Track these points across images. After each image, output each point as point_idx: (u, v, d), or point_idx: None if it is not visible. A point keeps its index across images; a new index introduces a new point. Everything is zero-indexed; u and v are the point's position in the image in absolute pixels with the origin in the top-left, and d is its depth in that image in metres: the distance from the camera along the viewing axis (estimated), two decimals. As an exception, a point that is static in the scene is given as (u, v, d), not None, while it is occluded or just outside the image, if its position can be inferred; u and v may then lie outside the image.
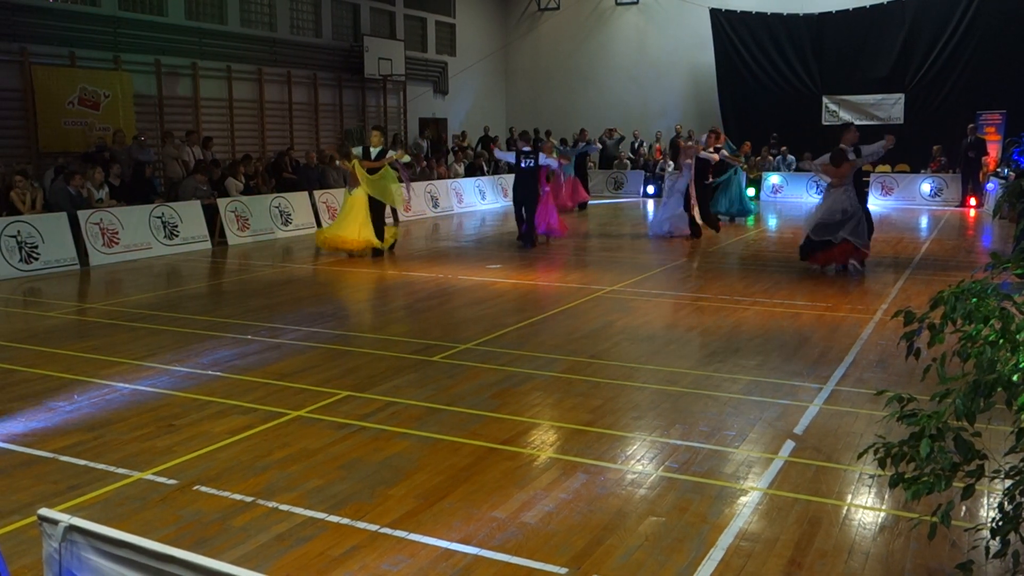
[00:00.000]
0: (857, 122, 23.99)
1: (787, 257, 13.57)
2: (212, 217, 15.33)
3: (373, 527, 4.23)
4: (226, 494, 4.63)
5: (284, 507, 4.46)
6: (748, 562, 3.90)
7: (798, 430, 5.63)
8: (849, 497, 4.62)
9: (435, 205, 20.96)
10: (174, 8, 18.05)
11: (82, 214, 13.15)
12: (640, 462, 5.12)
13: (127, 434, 5.57)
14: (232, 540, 4.10)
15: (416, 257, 13.89)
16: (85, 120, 16.08)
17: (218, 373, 7.01)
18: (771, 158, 24.46)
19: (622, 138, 26.97)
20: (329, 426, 5.73)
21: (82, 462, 5.10)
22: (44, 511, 2.37)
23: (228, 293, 10.81)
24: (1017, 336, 3.16)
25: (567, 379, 6.82)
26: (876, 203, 21.79)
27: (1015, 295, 3.28)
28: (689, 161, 15.62)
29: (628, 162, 26.58)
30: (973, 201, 20.96)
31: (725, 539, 4.11)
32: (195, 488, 4.72)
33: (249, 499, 4.56)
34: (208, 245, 14.91)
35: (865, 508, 4.49)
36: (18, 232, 12.19)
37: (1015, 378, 3.10)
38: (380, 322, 9.05)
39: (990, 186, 20.73)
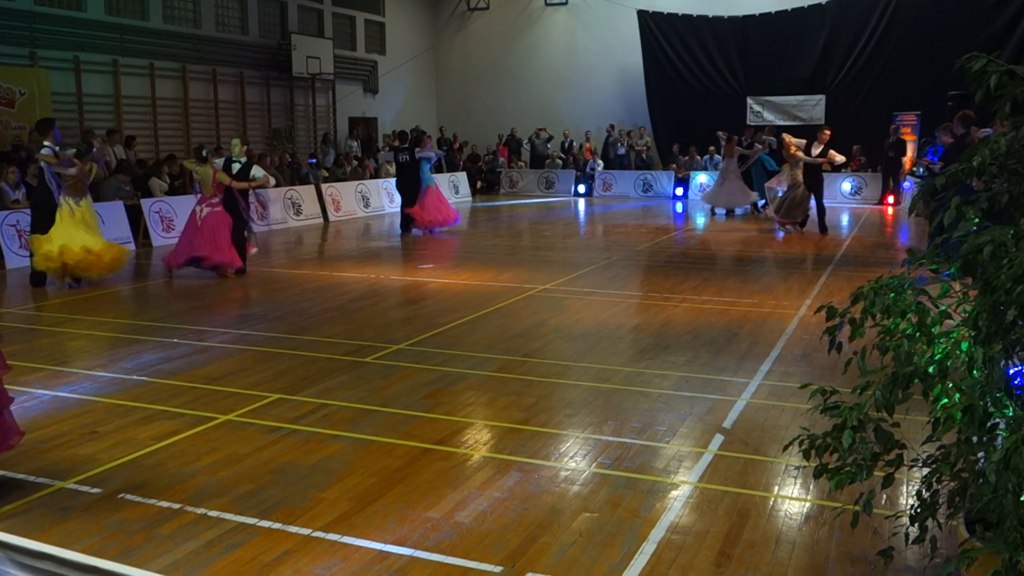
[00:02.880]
0: (780, 122, 24.69)
1: (715, 255, 13.84)
2: (136, 218, 14.95)
3: (306, 531, 4.18)
4: (152, 502, 4.52)
5: (213, 513, 4.38)
6: (680, 555, 3.96)
7: (727, 424, 5.75)
8: (776, 488, 4.74)
9: (366, 205, 20.80)
10: (93, 3, 17.54)
11: (-3, 215, 12.69)
12: (573, 459, 5.16)
13: (47, 442, 5.40)
14: (160, 548, 4.01)
15: (347, 257, 13.76)
16: (0, 118, 15.52)
17: (143, 378, 6.84)
18: (698, 158, 24.89)
19: (551, 137, 27.18)
20: (259, 430, 5.64)
21: (0, 472, 4.92)
22: (-41, 524, 2.29)
23: (153, 296, 10.57)
24: (932, 329, 3.28)
25: (500, 378, 6.84)
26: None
27: (930, 290, 3.40)
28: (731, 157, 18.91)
29: (559, 161, 26.76)
30: (891, 199, 21.63)
31: (657, 533, 4.17)
32: (120, 496, 4.60)
33: (177, 506, 4.47)
34: (132, 247, 14.53)
35: (791, 499, 4.61)
36: (-72, 234, 11.70)
37: (931, 370, 3.21)
38: (311, 323, 8.95)
39: (906, 185, 21.45)
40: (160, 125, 19.17)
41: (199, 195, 11.87)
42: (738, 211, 20.26)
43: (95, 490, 4.69)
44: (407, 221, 16.80)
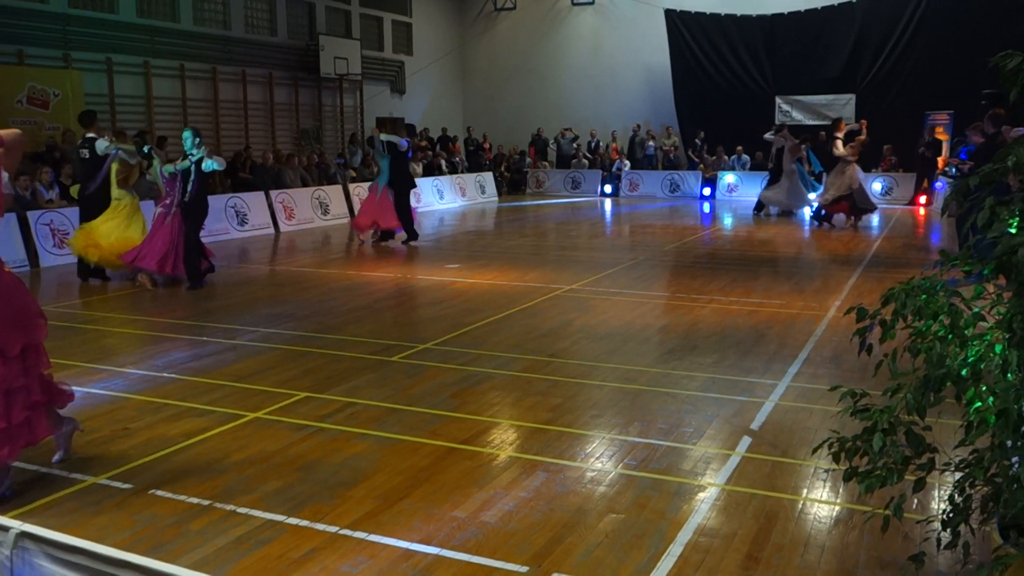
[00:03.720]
0: (809, 122, 24.48)
1: (743, 255, 13.75)
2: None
3: (333, 528, 4.21)
4: (182, 498, 4.57)
5: (242, 510, 4.41)
6: (706, 557, 3.94)
7: (754, 426, 5.71)
8: (804, 492, 4.70)
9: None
10: (125, 6, 17.75)
11: (31, 215, 12.88)
12: (599, 460, 5.15)
13: (80, 438, 5.46)
14: (189, 544, 4.05)
15: (374, 257, 13.82)
16: (34, 119, 15.73)
17: (173, 375, 6.91)
18: (726, 157, 24.75)
19: (576, 137, 27.13)
20: (287, 428, 5.68)
21: (33, 467, 5.00)
22: (-5, 518, 2.32)
23: (184, 294, 10.66)
24: (965, 331, 3.23)
25: (526, 378, 6.83)
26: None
27: (963, 291, 3.35)
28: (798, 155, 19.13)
29: (585, 161, 26.72)
30: (923, 200, 21.36)
31: (683, 535, 4.15)
32: (151, 492, 4.65)
33: (206, 502, 4.51)
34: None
35: (820, 502, 4.57)
36: (-36, 233, 11.90)
37: (964, 373, 3.17)
38: (338, 322, 9.00)
39: (939, 185, 21.18)
40: (190, 126, 19.34)
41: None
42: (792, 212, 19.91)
43: (126, 486, 4.74)
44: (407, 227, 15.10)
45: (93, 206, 11.34)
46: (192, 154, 10.87)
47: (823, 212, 17.63)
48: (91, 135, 11.26)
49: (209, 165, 10.88)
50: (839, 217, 17.65)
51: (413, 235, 15.18)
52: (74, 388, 5.92)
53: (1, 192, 4.77)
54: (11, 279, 4.67)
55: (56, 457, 5.08)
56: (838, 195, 17.27)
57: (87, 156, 11.27)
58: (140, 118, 18.10)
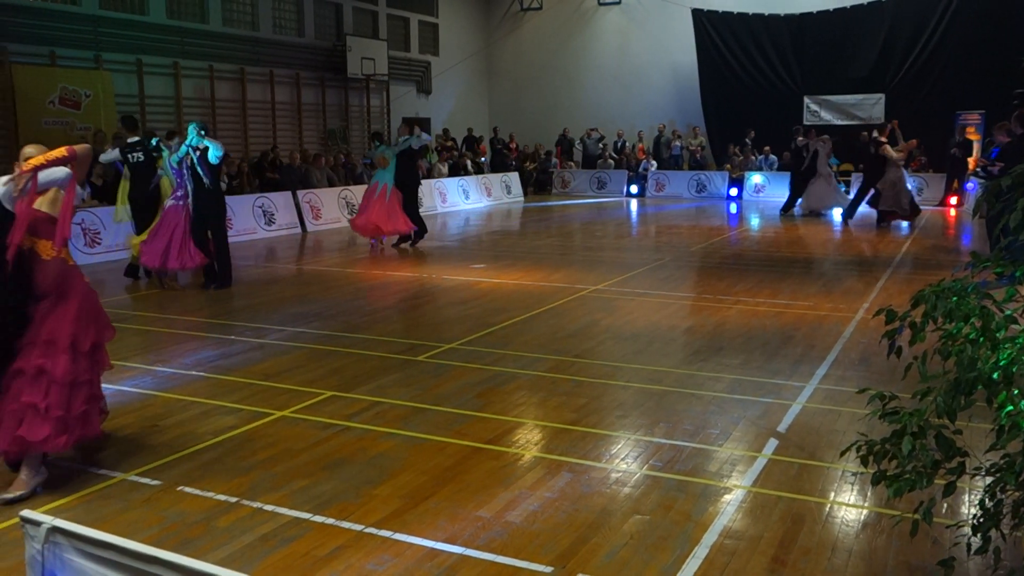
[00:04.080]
0: (838, 122, 24.28)
1: (770, 256, 13.66)
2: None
3: (358, 527, 4.23)
4: (210, 495, 4.61)
5: (269, 507, 4.45)
6: (732, 560, 3.92)
7: (781, 428, 5.67)
8: (832, 495, 4.66)
9: (419, 205, 20.89)
10: (155, 7, 17.94)
11: (63, 213, 13.02)
12: (625, 461, 5.14)
13: (110, 435, 5.53)
14: (216, 541, 4.09)
15: (400, 257, 13.87)
16: (66, 120, 15.95)
17: (202, 373, 6.98)
18: (753, 157, 24.59)
19: (602, 137, 27.07)
20: (314, 426, 5.71)
21: (64, 463, 5.06)
22: (27, 512, 2.36)
23: (211, 293, 10.75)
24: (997, 334, 3.19)
25: (552, 378, 6.83)
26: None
27: (994, 294, 3.31)
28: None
29: (611, 161, 26.65)
30: (954, 200, 21.10)
31: (709, 537, 4.13)
32: (179, 489, 4.70)
33: (233, 500, 4.55)
34: (190, 245, 14.80)
35: (848, 505, 4.53)
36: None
37: (995, 376, 3.13)
38: (365, 322, 9.04)
39: (969, 185, 20.91)
40: (219, 126, 19.53)
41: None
42: (826, 212, 19.87)
43: (155, 482, 4.79)
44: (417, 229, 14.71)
45: (148, 212, 11.38)
46: (194, 147, 10.47)
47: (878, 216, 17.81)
48: (135, 139, 11.34)
49: (215, 154, 10.49)
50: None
51: (424, 229, 14.95)
52: (104, 385, 5.99)
53: (72, 201, 4.99)
54: (88, 284, 5.11)
55: None
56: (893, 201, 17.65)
57: (141, 159, 11.30)
58: (169, 118, 18.28)
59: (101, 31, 16.81)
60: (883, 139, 17.60)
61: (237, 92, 20.02)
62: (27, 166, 4.66)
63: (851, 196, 19.46)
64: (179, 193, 10.83)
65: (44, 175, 4.69)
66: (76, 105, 16.13)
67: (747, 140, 25.04)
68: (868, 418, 3.49)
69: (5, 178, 4.72)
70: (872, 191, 17.98)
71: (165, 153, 11.26)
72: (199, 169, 10.56)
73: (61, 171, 4.76)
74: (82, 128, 15.98)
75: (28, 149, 4.99)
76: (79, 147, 4.93)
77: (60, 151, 4.79)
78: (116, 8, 17.22)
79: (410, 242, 14.81)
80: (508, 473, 4.94)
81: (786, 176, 22.14)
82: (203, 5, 19.13)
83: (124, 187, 11.84)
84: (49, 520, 2.29)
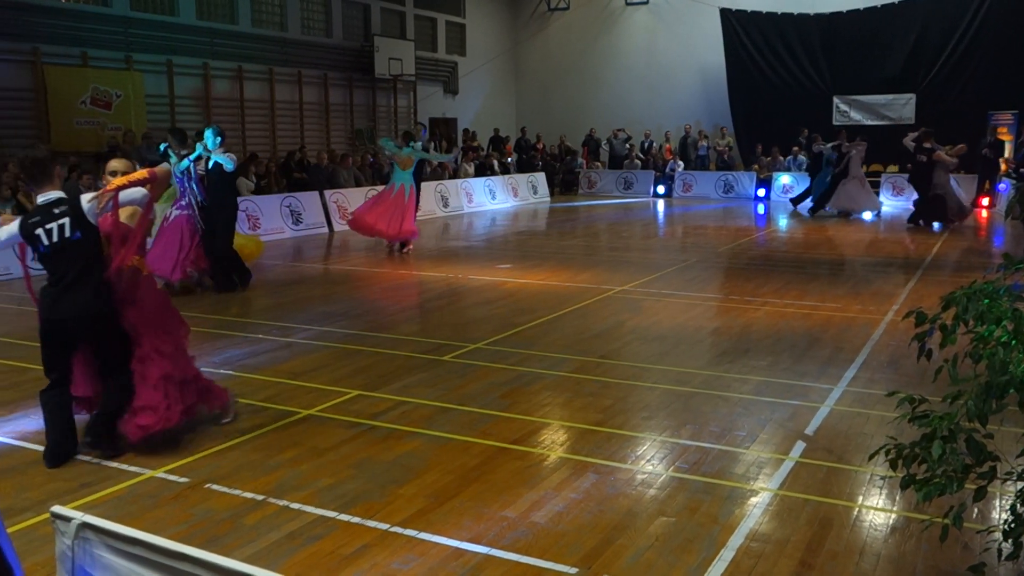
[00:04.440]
0: (868, 122, 24.02)
1: (798, 257, 13.55)
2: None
3: (383, 526, 4.24)
4: (237, 492, 4.65)
5: (295, 506, 4.47)
6: (759, 563, 3.89)
7: (809, 431, 5.62)
8: (860, 498, 4.61)
9: (445, 205, 20.97)
10: (185, 8, 18.13)
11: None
12: (650, 462, 5.12)
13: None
14: (243, 538, 4.12)
15: (427, 257, 13.90)
16: (97, 120, 16.16)
17: (229, 372, 7.03)
18: (781, 158, 24.38)
19: (629, 137, 26.96)
20: (340, 425, 5.74)
21: (94, 460, 5.13)
22: (57, 508, 2.38)
23: (238, 293, 10.83)
24: (1030, 337, 3.14)
25: (577, 379, 6.82)
26: (888, 204, 21.73)
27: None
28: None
29: (638, 162, 26.56)
30: (986, 202, 20.82)
31: (735, 540, 4.10)
32: (206, 486, 4.74)
33: (260, 497, 4.58)
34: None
35: (876, 510, 4.48)
36: (31, 231, 12.22)
37: (1028, 379, 3.08)
38: (391, 321, 9.07)
39: (1002, 186, 20.62)
40: (248, 126, 19.70)
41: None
42: (858, 214, 19.75)
43: (183, 480, 4.84)
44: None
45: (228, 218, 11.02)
46: (184, 153, 10.24)
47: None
48: (184, 152, 10.83)
49: (226, 163, 10.23)
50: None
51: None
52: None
53: (147, 216, 5.45)
54: (161, 291, 5.88)
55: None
56: (955, 202, 17.75)
57: (204, 171, 10.56)
58: (198, 119, 18.44)
59: (132, 32, 17.01)
60: (928, 144, 17.64)
61: (265, 92, 20.17)
62: (111, 186, 5.08)
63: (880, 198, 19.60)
64: (183, 202, 10.44)
65: (124, 195, 5.09)
66: (107, 105, 16.33)
67: (801, 139, 23.74)
68: (897, 421, 3.45)
69: (90, 195, 5.09)
70: (916, 196, 18.25)
71: (173, 159, 10.92)
72: (194, 186, 10.27)
73: (139, 192, 5.16)
74: (113, 128, 16.18)
75: (114, 163, 5.64)
76: (159, 169, 5.40)
77: (141, 173, 5.23)
78: (147, 9, 17.41)
79: (409, 248, 14.06)
80: (533, 473, 4.93)
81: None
82: (232, 6, 19.29)
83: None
84: (79, 516, 2.31)
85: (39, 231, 4.98)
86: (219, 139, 10.44)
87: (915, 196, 18.44)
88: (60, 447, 5.10)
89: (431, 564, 3.87)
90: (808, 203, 21.05)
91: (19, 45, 15.19)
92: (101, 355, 5.26)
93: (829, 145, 19.95)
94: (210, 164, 10.37)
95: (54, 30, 15.63)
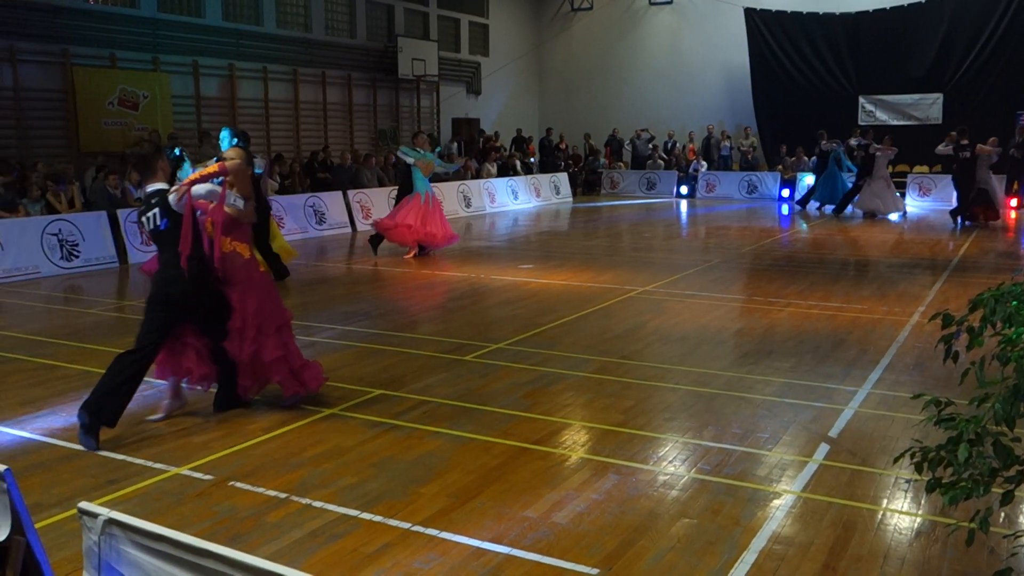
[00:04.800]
0: (894, 122, 23.79)
1: (823, 258, 13.45)
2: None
3: (405, 525, 4.26)
4: (260, 490, 4.68)
5: (317, 504, 4.50)
6: (781, 566, 3.87)
7: (833, 433, 5.58)
8: (885, 502, 4.57)
9: (467, 205, 21.01)
10: (211, 10, 18.28)
11: (121, 213, 13.35)
12: (672, 463, 5.10)
13: (165, 430, 5.65)
14: (266, 536, 4.15)
15: (449, 257, 13.93)
16: (124, 120, 16.33)
17: (253, 371, 7.07)
18: (806, 158, 24.20)
19: (652, 138, 26.86)
20: (362, 424, 5.77)
21: (121, 456, 5.18)
22: (84, 504, 2.41)
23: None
24: (1059, 340, 3.10)
25: (599, 379, 6.81)
26: (913, 204, 21.52)
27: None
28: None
29: (661, 162, 26.46)
30: (1014, 202, 20.56)
31: (758, 542, 4.08)
32: (230, 484, 4.78)
33: (283, 495, 4.61)
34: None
35: (901, 513, 4.44)
36: (59, 230, 12.41)
37: (1056, 383, 3.04)
38: (413, 321, 9.09)
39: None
40: (272, 126, 19.83)
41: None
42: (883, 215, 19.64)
43: (208, 477, 4.88)
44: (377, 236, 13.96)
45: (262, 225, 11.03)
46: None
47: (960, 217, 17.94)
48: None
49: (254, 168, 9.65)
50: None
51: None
52: (159, 382, 6.12)
53: (220, 209, 5.81)
54: (264, 274, 6.40)
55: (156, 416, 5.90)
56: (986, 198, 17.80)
57: (259, 171, 10.68)
58: (224, 119, 18.58)
59: (159, 33, 17.17)
60: (965, 141, 17.77)
61: (290, 93, 20.30)
62: (187, 180, 5.61)
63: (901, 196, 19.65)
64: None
65: (195, 190, 5.61)
66: (134, 106, 16.50)
67: (851, 141, 23.27)
68: (923, 424, 3.41)
69: (174, 187, 5.68)
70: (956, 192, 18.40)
71: (186, 164, 10.83)
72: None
73: (205, 187, 5.69)
74: (140, 128, 16.34)
75: (229, 153, 6.52)
76: (230, 163, 5.90)
77: (212, 168, 5.78)
78: (173, 11, 17.57)
79: (416, 252, 13.67)
80: (555, 474, 4.93)
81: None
82: (257, 7, 19.44)
83: None
84: (106, 512, 2.34)
85: (144, 217, 5.74)
86: (235, 140, 9.99)
87: (946, 196, 18.47)
88: (100, 399, 5.40)
89: (452, 563, 3.88)
90: (814, 203, 20.94)
91: (49, 47, 15.39)
92: (202, 328, 5.84)
93: (854, 142, 19.91)
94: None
95: (83, 32, 15.82)
